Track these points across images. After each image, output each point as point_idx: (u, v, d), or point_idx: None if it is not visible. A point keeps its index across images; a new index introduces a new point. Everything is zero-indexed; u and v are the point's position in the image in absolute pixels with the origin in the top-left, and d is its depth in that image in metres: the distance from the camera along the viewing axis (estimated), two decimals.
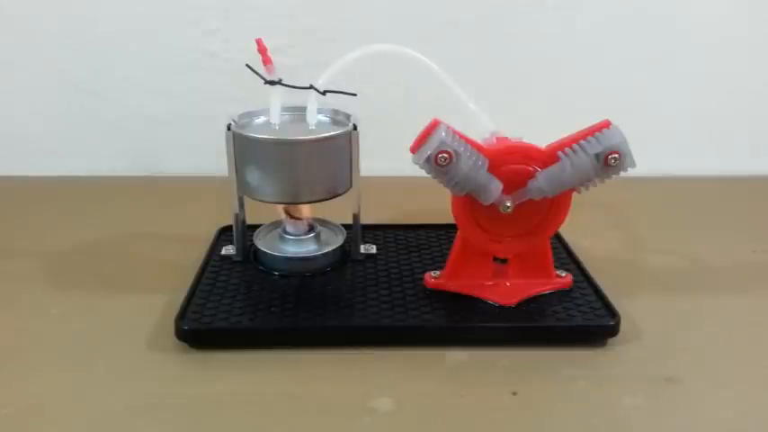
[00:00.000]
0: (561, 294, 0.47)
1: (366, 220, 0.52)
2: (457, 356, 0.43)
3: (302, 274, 0.50)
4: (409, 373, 0.41)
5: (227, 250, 0.53)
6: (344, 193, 0.50)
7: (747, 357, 0.43)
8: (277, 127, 0.49)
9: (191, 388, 0.40)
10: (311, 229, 0.52)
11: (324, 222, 0.55)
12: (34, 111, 0.79)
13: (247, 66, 0.47)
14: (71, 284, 0.52)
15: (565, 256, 0.53)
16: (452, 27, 0.76)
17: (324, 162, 0.48)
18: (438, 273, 0.48)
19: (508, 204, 0.43)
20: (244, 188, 0.49)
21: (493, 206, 0.43)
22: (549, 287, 0.48)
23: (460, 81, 0.45)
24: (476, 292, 0.47)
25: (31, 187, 0.76)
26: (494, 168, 0.42)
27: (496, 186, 0.42)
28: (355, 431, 0.37)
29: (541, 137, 0.44)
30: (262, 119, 0.51)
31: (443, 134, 0.40)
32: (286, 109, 0.50)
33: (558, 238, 0.55)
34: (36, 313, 0.48)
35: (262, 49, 0.47)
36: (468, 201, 0.44)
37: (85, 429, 0.36)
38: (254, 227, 0.54)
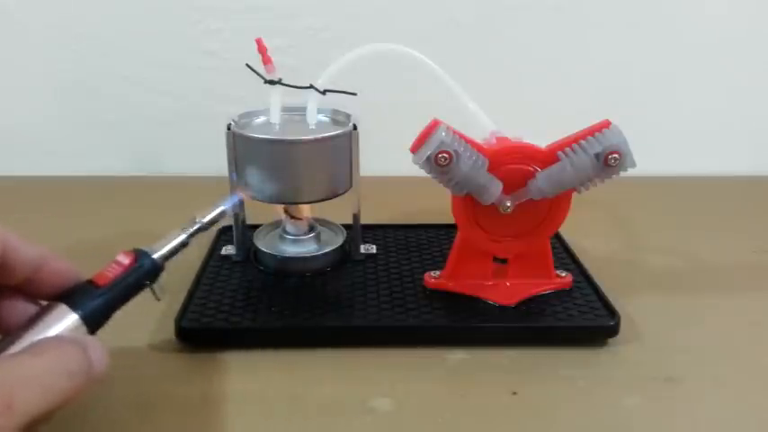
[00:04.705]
0: (561, 294, 0.47)
1: (366, 220, 0.52)
2: (457, 356, 0.43)
3: (302, 274, 0.50)
4: (409, 373, 0.41)
5: (227, 250, 0.53)
6: (344, 193, 0.50)
7: (747, 357, 0.44)
8: (277, 127, 0.49)
9: (191, 388, 0.40)
10: (311, 229, 0.52)
11: (324, 222, 0.55)
12: (34, 111, 0.79)
13: (247, 65, 0.47)
14: None
15: (565, 256, 0.53)
16: (452, 27, 0.76)
17: (324, 162, 0.48)
18: (438, 273, 0.48)
19: (508, 204, 0.43)
20: (244, 188, 0.49)
21: (493, 206, 0.43)
22: (549, 287, 0.48)
23: (460, 81, 0.45)
24: (476, 292, 0.47)
25: (31, 187, 0.75)
26: (494, 168, 0.42)
27: (496, 186, 0.42)
28: (355, 431, 0.37)
29: (541, 137, 0.44)
30: (262, 119, 0.51)
31: (443, 134, 0.40)
32: (286, 109, 0.50)
33: (558, 238, 0.55)
34: None
35: (262, 49, 0.47)
36: (469, 201, 0.44)
37: (85, 429, 0.36)
38: (254, 227, 0.54)
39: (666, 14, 0.76)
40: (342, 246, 0.52)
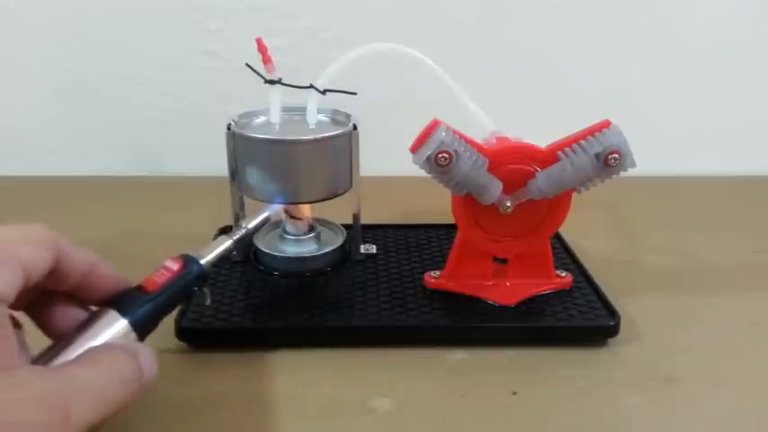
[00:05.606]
0: (561, 294, 0.47)
1: (366, 220, 0.52)
2: (457, 356, 0.43)
3: (302, 274, 0.50)
4: (409, 373, 0.41)
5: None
6: (344, 193, 0.50)
7: (747, 357, 0.44)
8: (277, 127, 0.49)
9: (191, 388, 0.40)
10: (311, 229, 0.52)
11: (324, 222, 0.55)
12: (34, 111, 0.79)
13: (247, 65, 0.47)
14: None
15: (565, 256, 0.53)
16: (452, 27, 0.76)
17: (324, 162, 0.48)
18: (438, 273, 0.48)
19: (508, 204, 0.43)
20: (244, 188, 0.49)
21: (493, 206, 0.43)
22: (549, 287, 0.48)
23: (460, 81, 0.45)
24: (476, 292, 0.47)
25: (31, 187, 0.75)
26: (494, 168, 0.42)
27: (496, 186, 0.42)
28: (355, 431, 0.37)
29: (541, 137, 0.44)
30: (262, 119, 0.51)
31: (443, 134, 0.40)
32: (286, 109, 0.50)
33: (558, 238, 0.55)
34: None
35: (262, 49, 0.47)
36: (469, 201, 0.44)
37: None
38: None
39: (666, 14, 0.76)
40: (342, 246, 0.52)
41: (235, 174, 0.49)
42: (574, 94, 0.78)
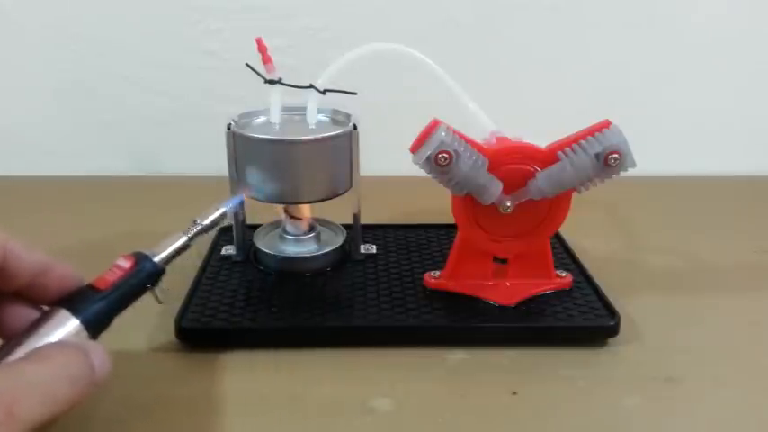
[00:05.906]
0: (561, 294, 0.47)
1: (366, 220, 0.52)
2: (457, 356, 0.43)
3: (302, 274, 0.50)
4: (409, 373, 0.41)
5: (227, 250, 0.53)
6: (344, 193, 0.50)
7: (747, 357, 0.44)
8: (277, 127, 0.49)
9: (191, 388, 0.40)
10: (311, 229, 0.52)
11: (324, 222, 0.55)
12: (32, 111, 0.79)
13: (247, 65, 0.47)
14: None
15: (565, 256, 0.53)
16: (451, 27, 0.76)
17: (324, 162, 0.48)
18: (438, 273, 0.48)
19: (508, 204, 0.43)
20: (244, 188, 0.49)
21: (493, 206, 0.43)
22: (549, 287, 0.48)
23: (460, 81, 0.45)
24: (476, 292, 0.47)
25: (30, 187, 0.75)
26: (494, 168, 0.42)
27: (496, 186, 0.42)
28: (355, 431, 0.37)
29: (541, 137, 0.44)
30: (262, 119, 0.51)
31: (443, 134, 0.40)
32: (286, 109, 0.50)
33: (558, 238, 0.55)
34: None
35: (262, 49, 0.47)
36: (469, 201, 0.44)
37: (85, 429, 0.36)
38: (254, 227, 0.54)
39: (665, 14, 0.76)
40: (342, 246, 0.52)
41: (235, 174, 0.49)
42: (574, 95, 0.78)
